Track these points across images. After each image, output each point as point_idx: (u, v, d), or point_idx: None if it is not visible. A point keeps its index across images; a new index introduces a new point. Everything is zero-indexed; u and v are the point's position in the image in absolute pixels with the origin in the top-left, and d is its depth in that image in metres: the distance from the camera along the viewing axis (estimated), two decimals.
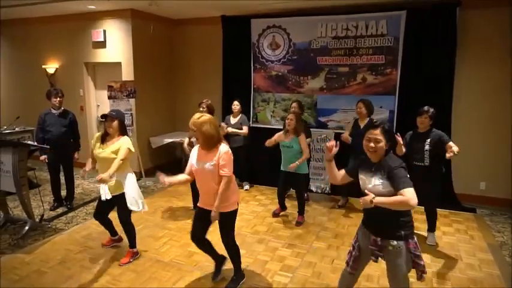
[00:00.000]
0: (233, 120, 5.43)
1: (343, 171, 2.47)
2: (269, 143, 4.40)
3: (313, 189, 5.67)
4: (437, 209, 3.95)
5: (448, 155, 3.44)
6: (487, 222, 4.55)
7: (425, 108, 3.72)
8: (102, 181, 3.12)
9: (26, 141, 4.98)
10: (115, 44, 6.18)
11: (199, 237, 3.02)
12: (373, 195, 2.09)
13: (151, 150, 6.53)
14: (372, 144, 2.19)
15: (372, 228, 2.28)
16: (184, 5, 5.51)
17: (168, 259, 3.56)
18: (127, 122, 5.81)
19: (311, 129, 5.35)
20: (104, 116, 3.36)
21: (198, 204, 2.99)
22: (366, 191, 2.21)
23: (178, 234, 4.06)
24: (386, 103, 5.26)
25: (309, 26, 5.55)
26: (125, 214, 3.40)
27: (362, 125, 4.51)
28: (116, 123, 3.30)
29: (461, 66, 4.93)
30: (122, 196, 3.31)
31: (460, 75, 4.96)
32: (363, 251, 2.36)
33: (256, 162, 5.88)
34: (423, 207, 3.91)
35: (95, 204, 5.07)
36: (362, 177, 2.30)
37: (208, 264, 3.45)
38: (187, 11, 6.05)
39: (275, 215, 4.65)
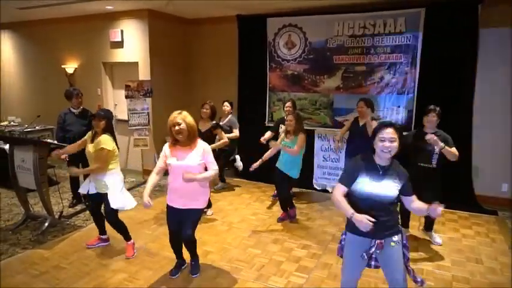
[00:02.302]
0: (221, 121, 5.24)
1: (343, 191, 2.25)
2: (273, 147, 4.34)
3: (329, 189, 5.62)
4: (456, 211, 3.87)
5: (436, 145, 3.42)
6: (508, 225, 4.42)
7: (432, 106, 3.60)
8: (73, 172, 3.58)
9: (46, 140, 5.09)
10: (132, 43, 6.25)
11: (177, 238, 3.16)
12: (442, 206, 2.12)
13: None
14: (387, 144, 2.12)
15: (377, 233, 2.17)
16: (200, 4, 5.52)
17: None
18: (143, 121, 5.90)
19: (327, 129, 5.33)
20: (92, 116, 3.53)
21: (169, 203, 3.06)
22: (373, 194, 2.16)
23: None
24: (405, 102, 5.16)
25: (326, 24, 5.49)
26: (111, 213, 3.50)
27: (361, 123, 4.48)
28: (102, 122, 3.44)
29: (483, 64, 4.79)
30: (105, 196, 3.45)
31: (482, 74, 4.82)
32: (356, 259, 2.27)
33: (273, 161, 5.84)
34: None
35: None
36: (365, 180, 2.18)
37: (224, 263, 3.47)
38: (203, 10, 6.07)
39: (281, 220, 4.50)
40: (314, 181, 5.70)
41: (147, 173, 6.45)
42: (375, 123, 4.29)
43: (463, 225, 4.41)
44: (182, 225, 3.02)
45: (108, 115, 3.53)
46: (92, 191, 3.53)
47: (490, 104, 4.89)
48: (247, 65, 6.24)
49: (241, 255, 3.65)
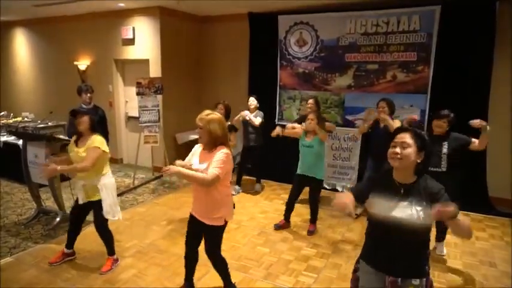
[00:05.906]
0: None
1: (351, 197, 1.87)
2: (277, 132, 4.24)
3: (339, 188, 5.58)
4: (470, 213, 3.77)
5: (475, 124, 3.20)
6: None
7: (446, 112, 3.37)
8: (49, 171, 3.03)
9: (58, 136, 5.14)
10: (143, 41, 6.28)
11: (192, 254, 2.81)
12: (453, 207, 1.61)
13: (178, 146, 6.60)
14: (397, 149, 1.76)
15: (389, 265, 1.84)
16: (212, 1, 5.51)
17: None
18: (154, 118, 5.92)
19: (338, 128, 5.30)
20: (73, 113, 3.19)
21: (190, 211, 2.78)
22: (390, 219, 1.76)
23: None
24: (418, 102, 5.08)
25: (338, 22, 5.43)
26: (101, 221, 3.25)
27: (382, 125, 4.17)
28: (85, 118, 3.12)
29: (500, 64, 4.68)
30: (98, 203, 3.17)
31: (498, 73, 4.71)
32: None
33: (282, 159, 5.82)
34: None
35: (123, 197, 5.22)
36: (380, 201, 1.82)
37: (233, 261, 3.45)
38: (215, 7, 6.06)
39: (278, 227, 4.22)
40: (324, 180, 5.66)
41: (157, 169, 6.49)
42: (397, 123, 4.03)
43: (477, 227, 4.32)
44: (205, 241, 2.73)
45: (90, 112, 3.17)
46: (84, 201, 3.22)
47: (505, 104, 4.77)
48: (258, 63, 6.22)
49: (250, 254, 3.64)
